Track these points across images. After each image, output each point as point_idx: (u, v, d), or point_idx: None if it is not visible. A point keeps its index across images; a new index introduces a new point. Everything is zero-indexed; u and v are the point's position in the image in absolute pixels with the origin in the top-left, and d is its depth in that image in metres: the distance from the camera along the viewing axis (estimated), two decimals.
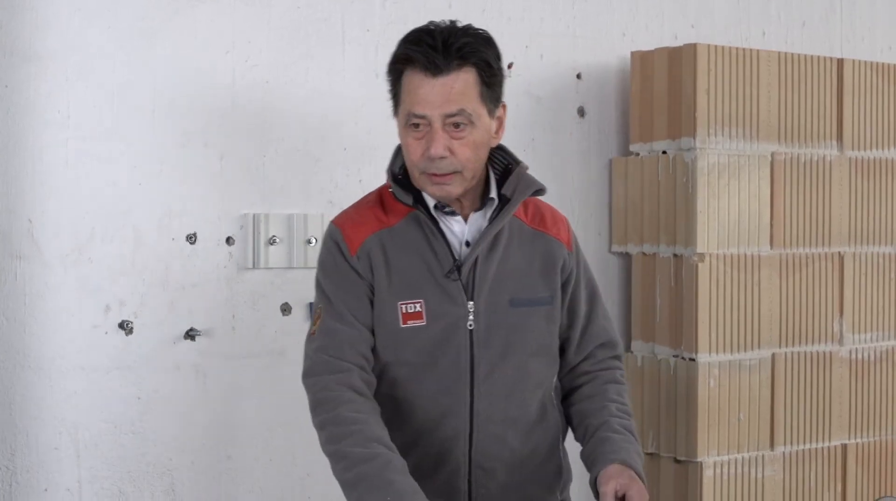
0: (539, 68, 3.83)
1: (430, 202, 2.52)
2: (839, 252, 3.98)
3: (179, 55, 3.26)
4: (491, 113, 2.48)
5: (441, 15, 3.62)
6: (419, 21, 3.56)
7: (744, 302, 3.78)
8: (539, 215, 2.62)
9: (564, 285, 2.61)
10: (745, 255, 3.79)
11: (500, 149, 2.59)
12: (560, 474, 2.65)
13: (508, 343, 2.54)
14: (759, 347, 3.81)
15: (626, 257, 4.00)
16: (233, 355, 3.34)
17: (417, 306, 2.49)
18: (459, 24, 2.50)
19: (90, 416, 3.16)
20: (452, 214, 2.53)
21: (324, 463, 3.45)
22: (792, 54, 3.91)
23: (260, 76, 3.37)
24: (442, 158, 2.42)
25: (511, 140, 3.77)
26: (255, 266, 3.35)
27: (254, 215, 3.34)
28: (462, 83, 2.41)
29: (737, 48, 3.80)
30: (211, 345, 3.31)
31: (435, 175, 2.44)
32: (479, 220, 2.54)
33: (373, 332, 2.51)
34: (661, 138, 3.81)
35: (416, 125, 2.44)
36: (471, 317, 2.50)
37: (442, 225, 2.52)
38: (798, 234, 3.89)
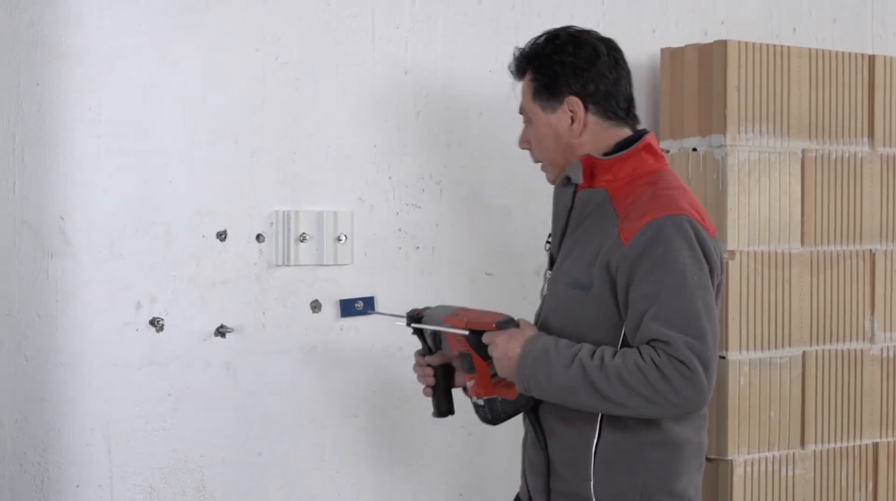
0: None
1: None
2: (870, 250, 3.96)
3: (210, 52, 3.26)
4: (547, 110, 2.72)
5: (471, 12, 3.64)
6: (449, 18, 3.59)
7: (774, 300, 3.76)
8: (633, 204, 2.61)
9: (616, 280, 2.58)
10: (776, 252, 3.77)
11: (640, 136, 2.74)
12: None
13: (545, 318, 2.73)
14: (789, 345, 3.80)
15: None
16: (263, 351, 3.34)
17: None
18: (551, 30, 2.79)
19: (121, 412, 3.17)
20: None
21: (353, 460, 3.47)
22: (823, 51, 3.89)
23: (290, 73, 3.37)
24: (522, 148, 2.83)
25: None
26: (285, 263, 3.35)
27: (284, 212, 3.35)
28: (524, 85, 2.78)
29: (767, 45, 3.78)
30: (241, 342, 3.31)
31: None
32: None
33: None
34: (691, 135, 3.80)
35: None
36: (545, 287, 2.79)
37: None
38: (829, 231, 3.88)
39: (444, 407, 2.92)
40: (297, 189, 3.39)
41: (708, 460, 3.73)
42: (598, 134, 2.71)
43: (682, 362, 2.45)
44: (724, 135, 3.69)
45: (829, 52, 3.90)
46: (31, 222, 3.07)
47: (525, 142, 2.81)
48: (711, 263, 2.57)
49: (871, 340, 3.97)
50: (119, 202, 3.15)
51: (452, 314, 2.76)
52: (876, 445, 3.98)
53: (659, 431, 2.60)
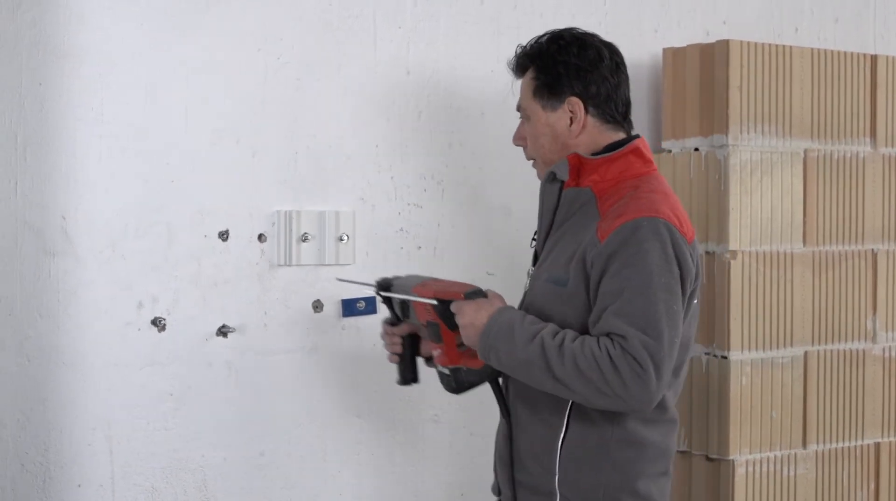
0: None
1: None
2: (872, 250, 3.96)
3: (211, 52, 3.27)
4: (547, 108, 2.74)
5: (473, 11, 3.64)
6: (451, 17, 3.59)
7: (776, 300, 3.76)
8: (615, 205, 2.64)
9: (590, 277, 2.60)
10: (778, 252, 3.77)
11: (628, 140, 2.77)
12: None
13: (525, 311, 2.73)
14: (791, 345, 3.80)
15: None
16: (265, 351, 3.34)
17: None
18: (554, 30, 2.80)
19: (123, 412, 3.17)
20: None
21: (354, 459, 3.47)
22: (825, 50, 3.89)
23: (291, 73, 3.37)
24: (517, 145, 2.85)
25: None
26: (287, 263, 3.35)
27: (286, 212, 3.35)
28: (524, 83, 2.79)
29: (769, 44, 3.78)
30: (243, 342, 3.31)
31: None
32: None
33: None
34: (693, 135, 3.80)
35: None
36: (527, 281, 2.83)
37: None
38: (831, 231, 3.87)
39: (408, 376, 2.96)
40: (299, 189, 3.39)
41: (709, 460, 3.74)
42: (594, 136, 2.74)
43: (635, 359, 2.47)
44: (726, 135, 3.69)
45: (831, 51, 3.90)
46: (33, 222, 3.07)
47: (520, 139, 2.83)
48: (684, 268, 2.59)
49: (873, 340, 3.96)
50: (121, 202, 3.16)
51: (421, 284, 2.79)
52: (878, 445, 3.98)
53: (624, 430, 2.63)
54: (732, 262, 3.68)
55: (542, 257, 2.76)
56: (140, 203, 3.18)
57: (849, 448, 3.92)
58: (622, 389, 2.48)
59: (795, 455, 3.81)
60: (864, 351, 3.94)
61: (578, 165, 2.70)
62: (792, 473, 3.80)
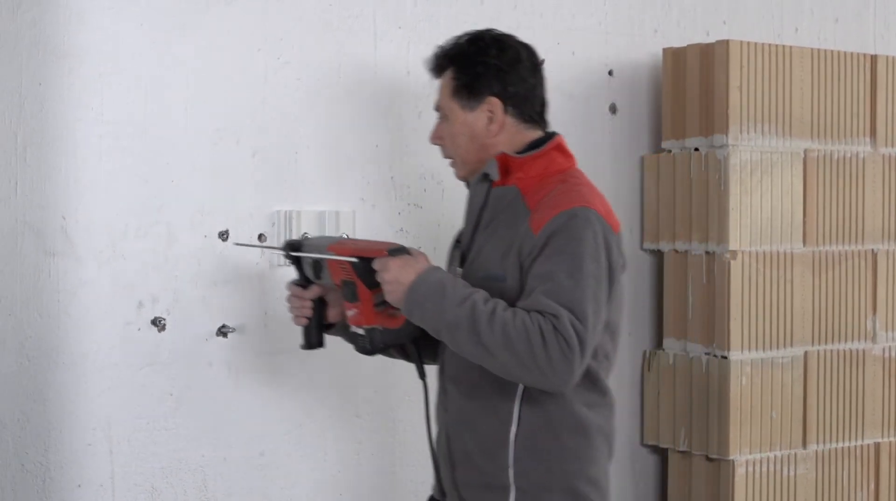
0: (571, 65, 3.83)
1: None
2: (872, 250, 3.96)
3: (211, 52, 3.27)
4: (465, 108, 2.75)
5: (473, 11, 3.64)
6: (451, 18, 3.59)
7: (776, 300, 3.76)
8: (545, 198, 2.66)
9: (523, 267, 2.62)
10: (778, 252, 3.77)
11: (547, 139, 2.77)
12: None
13: None
14: (791, 345, 3.80)
15: (658, 254, 3.99)
16: (265, 351, 3.35)
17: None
18: (474, 31, 2.81)
19: (123, 412, 3.17)
20: None
21: (355, 459, 3.47)
22: (825, 50, 3.89)
23: (291, 73, 3.37)
24: (434, 144, 2.85)
25: None
26: (286, 263, 3.35)
27: (286, 212, 3.35)
28: (443, 82, 2.79)
29: (769, 44, 3.78)
30: (243, 342, 3.31)
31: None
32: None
33: None
34: (693, 135, 3.80)
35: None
36: None
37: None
38: (831, 231, 3.88)
39: (314, 340, 2.92)
40: (299, 189, 3.39)
41: (709, 460, 3.74)
42: (513, 135, 2.76)
43: (565, 338, 2.48)
44: (726, 135, 3.69)
45: (831, 52, 3.90)
46: (33, 223, 3.07)
47: (437, 138, 2.83)
48: (612, 260, 2.61)
49: (873, 340, 3.97)
50: (121, 202, 3.16)
51: (338, 243, 2.78)
52: (878, 445, 3.98)
53: (572, 416, 2.64)
54: (732, 262, 3.68)
55: (473, 256, 2.75)
56: (140, 203, 3.18)
57: (849, 447, 3.92)
58: (548, 365, 2.48)
59: (795, 454, 3.81)
60: (864, 351, 3.94)
61: (506, 164, 2.72)
62: (792, 473, 3.80)
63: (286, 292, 2.91)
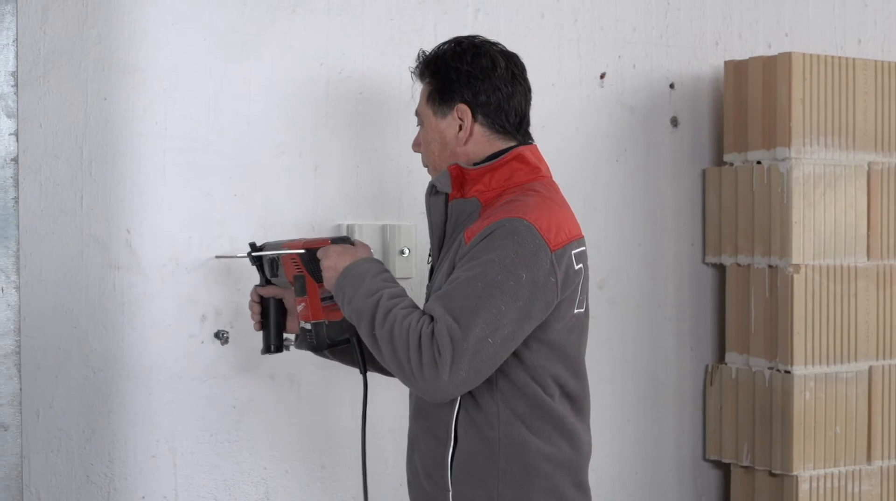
0: (632, 78, 3.82)
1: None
2: None
3: (274, 67, 3.29)
4: (438, 115, 2.72)
5: (533, 25, 3.64)
6: (511, 31, 3.59)
7: (840, 314, 3.73)
8: (492, 210, 2.63)
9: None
10: (842, 266, 3.74)
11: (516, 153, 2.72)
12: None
13: None
14: (855, 359, 3.76)
15: (721, 268, 3.97)
16: (326, 364, 3.34)
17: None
18: (460, 37, 2.79)
19: (187, 424, 3.19)
20: None
21: None
22: (888, 62, 3.86)
23: (353, 87, 3.39)
24: (415, 151, 2.82)
25: (604, 150, 3.78)
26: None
27: (347, 226, 3.36)
28: (422, 89, 2.77)
29: (832, 56, 3.76)
30: (305, 354, 3.30)
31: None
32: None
33: None
34: (755, 148, 3.78)
35: None
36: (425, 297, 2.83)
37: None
38: (895, 245, 3.84)
39: (272, 343, 2.97)
40: (361, 203, 3.40)
41: (772, 475, 3.71)
42: (483, 145, 2.70)
43: (438, 346, 2.45)
44: (789, 148, 3.67)
45: (895, 63, 3.87)
46: (98, 236, 3.10)
47: (416, 145, 2.81)
48: (537, 275, 2.50)
49: None
50: (185, 216, 3.18)
51: (292, 240, 2.87)
52: None
53: (512, 443, 2.58)
54: (795, 276, 3.65)
55: (435, 271, 2.74)
56: (203, 217, 3.21)
57: None
58: (418, 369, 2.47)
59: (860, 470, 3.77)
60: None
61: (461, 176, 2.68)
62: (857, 489, 3.76)
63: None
